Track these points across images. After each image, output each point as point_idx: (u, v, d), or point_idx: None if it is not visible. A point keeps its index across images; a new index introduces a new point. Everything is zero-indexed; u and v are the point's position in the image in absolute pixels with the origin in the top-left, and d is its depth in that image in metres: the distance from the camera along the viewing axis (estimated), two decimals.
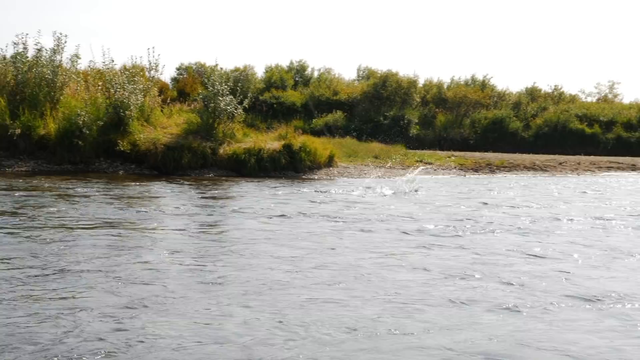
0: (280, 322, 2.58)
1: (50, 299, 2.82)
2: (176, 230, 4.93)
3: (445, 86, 24.51)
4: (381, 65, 47.13)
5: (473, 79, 25.65)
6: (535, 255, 4.26)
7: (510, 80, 52.98)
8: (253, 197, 7.39)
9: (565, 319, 2.79)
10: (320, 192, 7.98)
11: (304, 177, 10.12)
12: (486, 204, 7.22)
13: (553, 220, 6.05)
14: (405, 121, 20.29)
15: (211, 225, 5.24)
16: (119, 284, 3.15)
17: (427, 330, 2.57)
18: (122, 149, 9.54)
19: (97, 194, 6.88)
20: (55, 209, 5.58)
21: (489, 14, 56.22)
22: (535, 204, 7.35)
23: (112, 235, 4.54)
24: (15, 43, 9.95)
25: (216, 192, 7.90)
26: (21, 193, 6.56)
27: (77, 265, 3.50)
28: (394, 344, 2.41)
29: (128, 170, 9.74)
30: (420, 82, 23.90)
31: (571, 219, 6.09)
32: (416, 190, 8.20)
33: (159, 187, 7.96)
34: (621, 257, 4.33)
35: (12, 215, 5.16)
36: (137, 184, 8.25)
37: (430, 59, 50.19)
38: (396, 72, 22.81)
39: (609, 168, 15.22)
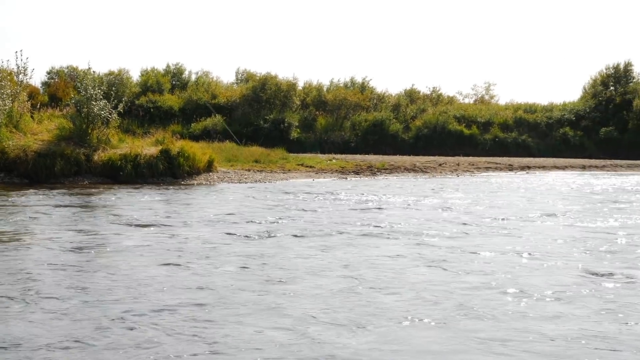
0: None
1: None
2: (40, 242, 4.95)
3: (325, 89, 25.40)
4: (260, 68, 47.94)
5: (352, 82, 26.81)
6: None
7: (390, 82, 56.41)
8: (126, 204, 7.49)
9: None
10: (192, 198, 8.55)
11: (182, 182, 10.38)
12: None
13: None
14: (286, 124, 20.81)
15: (78, 236, 5.27)
16: None
17: None
18: None
19: None
20: None
21: (367, 16, 58.91)
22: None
23: None
24: None
25: (88, 199, 7.97)
26: None
27: None
28: None
29: None
30: (300, 84, 24.61)
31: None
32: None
33: (27, 197, 7.79)
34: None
35: None
36: (3, 193, 8.04)
37: (310, 62, 52.04)
38: (275, 75, 23.38)
39: (487, 168, 15.98)
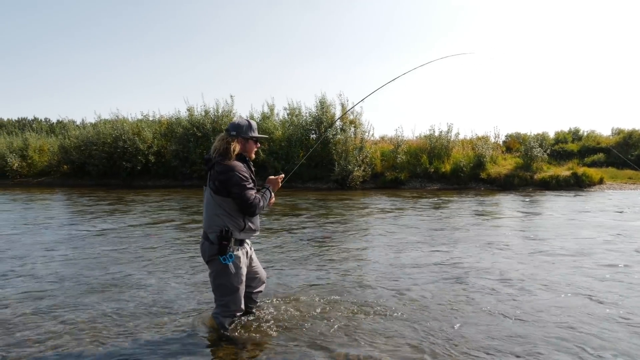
0: None
1: None
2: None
3: None
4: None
5: None
6: None
7: None
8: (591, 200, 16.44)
9: None
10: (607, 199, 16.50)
11: (584, 190, 18.49)
12: None
13: None
14: None
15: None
16: None
17: None
18: None
19: None
20: None
21: None
22: None
23: None
24: None
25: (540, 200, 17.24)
26: None
27: None
28: None
29: None
30: None
31: None
32: None
33: (498, 197, 17.86)
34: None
35: None
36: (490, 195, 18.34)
37: None
38: None
39: None
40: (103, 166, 23.55)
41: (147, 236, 8.88)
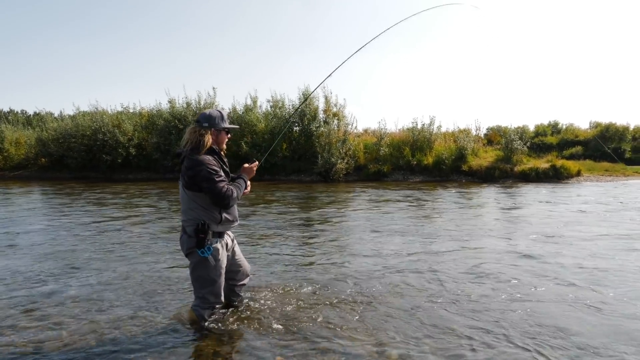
0: None
1: None
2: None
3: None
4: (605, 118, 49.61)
5: None
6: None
7: None
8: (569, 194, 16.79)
9: None
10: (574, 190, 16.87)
11: (562, 182, 18.86)
12: None
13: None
14: (622, 150, 26.60)
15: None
16: None
17: None
18: None
19: None
20: None
21: None
22: None
23: None
24: None
25: (514, 190, 17.56)
26: None
27: None
28: None
29: None
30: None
31: None
32: None
33: (482, 188, 18.18)
34: None
35: None
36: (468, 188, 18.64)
37: None
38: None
39: None
40: (82, 159, 23.14)
41: (127, 229, 8.77)
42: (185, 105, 22.83)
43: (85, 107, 26.50)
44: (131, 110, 25.03)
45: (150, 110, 24.09)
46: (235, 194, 3.82)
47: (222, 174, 3.82)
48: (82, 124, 23.43)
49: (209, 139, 3.79)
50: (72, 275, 5.72)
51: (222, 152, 3.97)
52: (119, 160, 22.72)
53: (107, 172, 23.08)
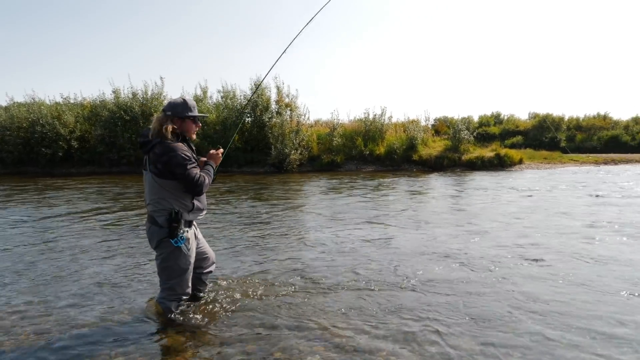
0: None
1: None
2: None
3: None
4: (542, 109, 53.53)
5: (598, 114, 31.27)
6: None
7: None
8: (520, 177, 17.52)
9: None
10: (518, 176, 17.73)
11: (505, 170, 19.78)
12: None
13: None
14: (558, 139, 28.56)
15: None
16: None
17: None
18: None
19: None
20: None
21: None
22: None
23: None
24: None
25: (463, 178, 18.24)
26: None
27: None
28: None
29: None
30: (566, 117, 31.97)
31: None
32: None
33: (431, 176, 18.76)
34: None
35: None
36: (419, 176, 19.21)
37: None
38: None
39: None
40: (19, 152, 21.75)
41: (79, 224, 8.37)
42: (131, 96, 21.95)
43: (19, 98, 24.92)
44: (72, 101, 23.74)
45: (93, 101, 22.96)
46: (207, 181, 3.81)
47: (194, 160, 3.77)
48: (17, 116, 21.99)
49: (169, 127, 3.72)
50: (28, 269, 5.40)
51: (190, 140, 3.92)
52: (60, 154, 21.56)
53: (47, 166, 21.85)
